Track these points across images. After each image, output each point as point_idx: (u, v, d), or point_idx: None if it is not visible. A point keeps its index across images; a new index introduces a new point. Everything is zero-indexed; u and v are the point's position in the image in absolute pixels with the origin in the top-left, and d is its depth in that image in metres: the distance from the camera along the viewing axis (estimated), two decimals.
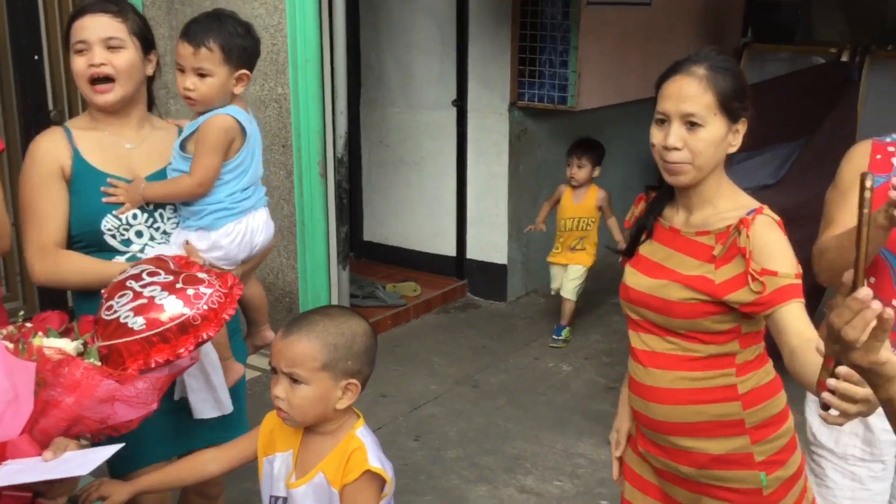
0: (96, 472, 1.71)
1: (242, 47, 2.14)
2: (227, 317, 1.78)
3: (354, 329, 1.78)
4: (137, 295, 1.75)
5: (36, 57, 3.87)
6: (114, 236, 2.11)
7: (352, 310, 1.87)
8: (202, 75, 2.10)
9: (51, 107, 3.95)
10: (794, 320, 1.68)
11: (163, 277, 1.78)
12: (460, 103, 5.32)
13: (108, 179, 2.11)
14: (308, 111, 4.07)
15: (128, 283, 1.78)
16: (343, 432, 1.79)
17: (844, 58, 5.70)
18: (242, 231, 2.21)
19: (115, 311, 1.74)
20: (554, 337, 4.83)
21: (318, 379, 1.72)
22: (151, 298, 1.74)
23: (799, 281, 1.73)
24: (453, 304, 5.46)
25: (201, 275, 1.82)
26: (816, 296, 3.77)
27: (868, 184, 1.10)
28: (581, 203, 4.79)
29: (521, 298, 5.53)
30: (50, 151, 2.09)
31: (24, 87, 3.84)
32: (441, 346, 4.84)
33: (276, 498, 1.83)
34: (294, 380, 1.73)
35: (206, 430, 2.27)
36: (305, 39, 4.00)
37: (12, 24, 3.76)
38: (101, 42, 2.06)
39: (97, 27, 2.07)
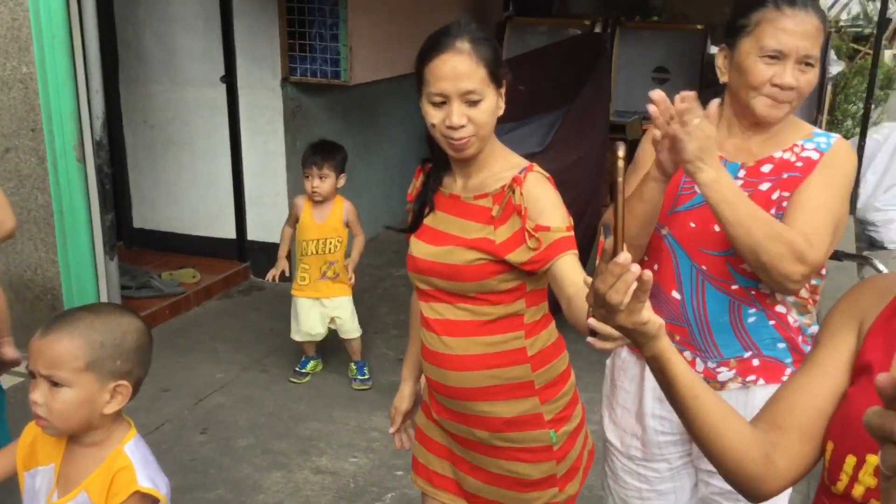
0: None
1: None
2: None
3: (125, 326, 1.65)
4: None
5: None
6: None
7: (123, 307, 1.73)
8: None
9: None
10: (570, 271, 1.75)
11: None
12: (229, 79, 5.11)
13: None
14: (59, 92, 3.74)
15: None
16: (110, 446, 1.65)
17: (598, 29, 6.06)
18: None
19: None
20: (359, 378, 4.14)
21: (81, 381, 1.58)
22: None
23: (571, 233, 1.81)
24: (236, 289, 5.28)
25: None
26: (586, 248, 4.01)
27: (620, 153, 1.14)
28: (325, 221, 3.98)
29: None
30: None
31: None
32: (225, 333, 4.67)
33: None
34: (54, 383, 1.57)
35: None
36: (50, 13, 3.66)
37: None
38: None
39: None
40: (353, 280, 4.06)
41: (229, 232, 5.39)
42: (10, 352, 2.15)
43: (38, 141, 3.86)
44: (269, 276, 4.02)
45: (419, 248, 1.95)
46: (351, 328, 4.09)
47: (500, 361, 1.91)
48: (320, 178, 3.91)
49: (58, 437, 1.65)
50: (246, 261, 5.40)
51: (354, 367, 4.14)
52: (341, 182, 3.99)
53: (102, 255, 4.02)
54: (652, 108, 1.67)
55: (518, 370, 1.91)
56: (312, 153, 3.95)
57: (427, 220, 1.97)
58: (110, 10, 5.15)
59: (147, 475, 1.63)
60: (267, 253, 5.32)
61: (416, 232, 1.99)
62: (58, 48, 3.69)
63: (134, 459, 1.64)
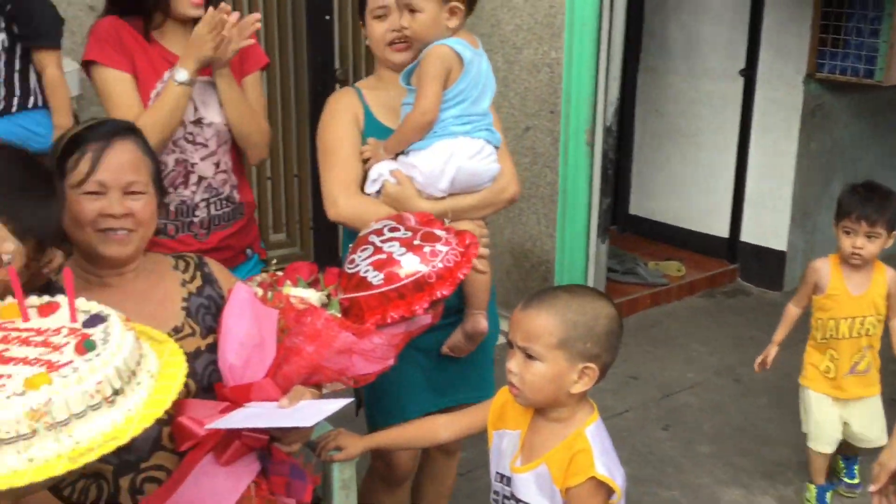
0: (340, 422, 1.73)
1: None
2: (461, 276, 1.73)
3: (598, 310, 1.65)
4: (377, 250, 1.74)
5: (327, 17, 4.06)
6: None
7: (598, 292, 1.75)
8: (412, 11, 2.05)
9: (337, 65, 4.14)
10: None
11: (402, 233, 1.76)
12: (749, 72, 4.90)
13: (368, 139, 2.17)
14: (580, 76, 3.93)
15: (370, 238, 1.78)
16: (573, 425, 1.68)
17: None
18: (444, 153, 2.09)
19: (357, 266, 1.74)
20: (846, 481, 3.22)
21: (553, 357, 1.62)
22: (390, 254, 1.72)
23: None
24: (720, 289, 5.10)
25: (439, 232, 1.78)
26: None
27: None
28: (864, 293, 2.97)
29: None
30: (349, 105, 2.22)
31: (314, 45, 4.05)
32: (702, 332, 4.53)
33: (502, 476, 1.76)
34: (529, 355, 1.64)
35: (457, 390, 2.30)
36: (584, 2, 3.85)
37: None
38: (404, 6, 2.09)
39: None
40: None
41: (722, 230, 5.21)
42: (482, 324, 2.24)
43: (554, 122, 4.10)
44: (757, 364, 3.20)
45: None
46: (872, 436, 3.07)
47: None
48: (868, 235, 2.88)
49: (526, 406, 1.72)
50: (735, 262, 5.18)
51: (842, 463, 3.26)
52: (889, 242, 2.96)
53: (595, 236, 4.16)
54: None
55: None
56: (861, 202, 2.89)
57: None
58: (640, 2, 5.27)
59: (604, 463, 1.62)
60: (759, 257, 5.04)
61: None
62: (586, 35, 3.87)
63: (593, 444, 1.65)
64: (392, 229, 1.79)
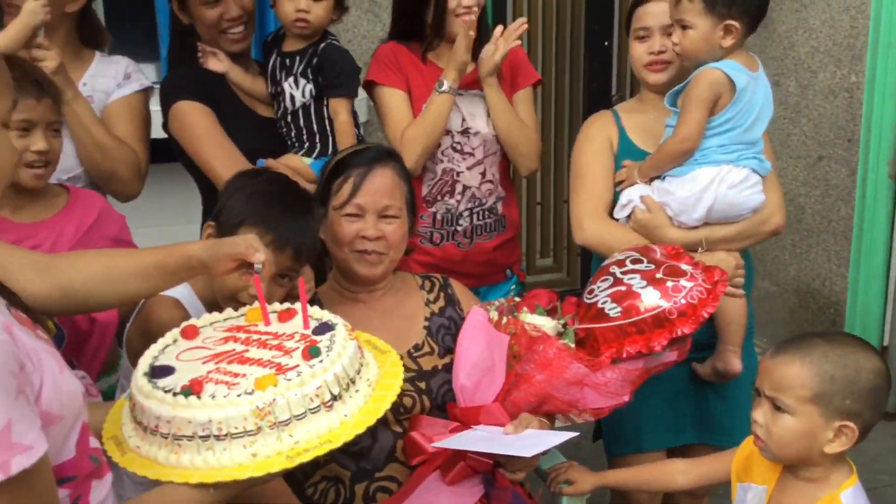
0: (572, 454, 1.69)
1: None
2: (706, 314, 1.62)
3: (861, 362, 1.46)
4: (618, 281, 1.68)
5: (606, 43, 4.04)
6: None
7: (863, 341, 1.54)
8: (683, 27, 1.95)
9: (613, 91, 4.09)
10: None
11: (644, 266, 1.68)
12: None
13: (624, 161, 2.12)
14: (883, 102, 3.53)
15: (611, 269, 1.72)
16: (827, 487, 1.50)
17: None
18: (703, 181, 1.97)
19: (595, 296, 1.70)
20: None
21: (805, 411, 1.46)
22: (630, 286, 1.65)
23: None
24: None
25: (685, 266, 1.68)
26: None
27: None
28: None
29: None
30: (602, 128, 2.20)
31: (591, 71, 4.04)
32: None
33: None
34: (777, 407, 1.49)
35: (702, 429, 2.18)
36: (892, 20, 3.47)
37: (589, 12, 3.98)
38: (662, 29, 2.05)
39: (660, 13, 2.07)
40: None
41: None
42: (736, 364, 2.05)
43: (851, 152, 3.73)
44: None
45: None
46: None
47: None
48: None
49: (773, 461, 1.57)
50: None
51: None
52: None
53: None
54: None
55: None
56: None
57: None
58: None
59: None
60: None
61: None
62: (891, 57, 3.47)
63: None
64: (634, 261, 1.72)
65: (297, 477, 1.70)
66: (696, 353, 1.89)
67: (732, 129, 1.98)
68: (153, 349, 1.40)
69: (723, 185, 1.97)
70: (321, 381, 1.24)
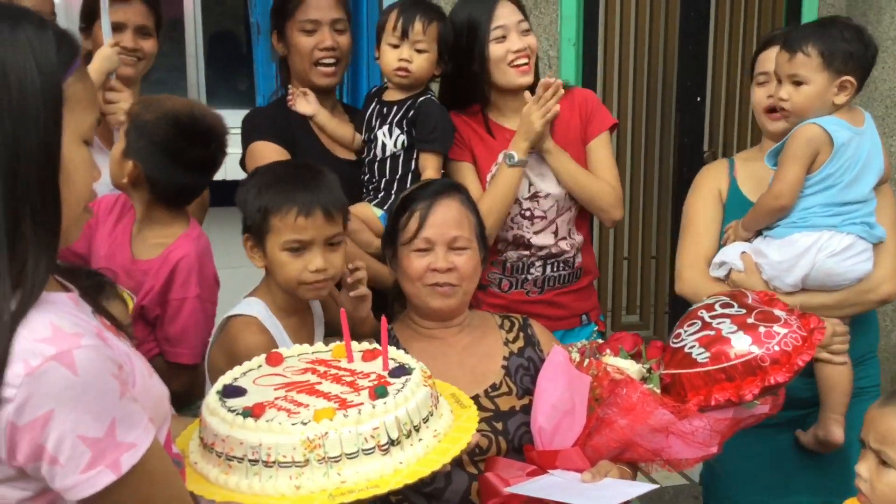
0: None
1: (847, 52, 1.87)
2: (801, 363, 1.52)
3: None
4: (706, 325, 1.61)
5: (699, 98, 3.97)
6: None
7: None
8: (797, 83, 1.89)
9: (705, 147, 4.01)
10: None
11: (735, 310, 1.60)
12: None
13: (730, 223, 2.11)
14: None
15: (699, 313, 1.65)
16: None
17: None
18: (799, 247, 1.89)
19: (683, 341, 1.62)
20: None
21: None
22: (719, 331, 1.58)
23: None
24: None
25: (779, 312, 1.59)
26: None
27: None
28: None
29: None
30: (714, 177, 2.19)
31: (682, 127, 3.98)
32: None
33: None
34: (883, 461, 1.39)
35: (805, 488, 2.06)
36: None
37: (681, 67, 3.93)
38: (787, 77, 1.97)
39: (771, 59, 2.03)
40: None
41: None
42: (837, 434, 1.92)
43: None
44: None
45: None
46: None
47: None
48: None
49: None
50: None
51: None
52: None
53: None
54: None
55: None
56: None
57: None
58: None
59: None
60: None
61: None
62: None
63: None
64: (724, 305, 1.65)
65: None
66: (800, 409, 1.80)
67: (832, 187, 1.91)
68: (235, 370, 1.41)
69: (822, 252, 1.89)
70: (380, 422, 1.22)
